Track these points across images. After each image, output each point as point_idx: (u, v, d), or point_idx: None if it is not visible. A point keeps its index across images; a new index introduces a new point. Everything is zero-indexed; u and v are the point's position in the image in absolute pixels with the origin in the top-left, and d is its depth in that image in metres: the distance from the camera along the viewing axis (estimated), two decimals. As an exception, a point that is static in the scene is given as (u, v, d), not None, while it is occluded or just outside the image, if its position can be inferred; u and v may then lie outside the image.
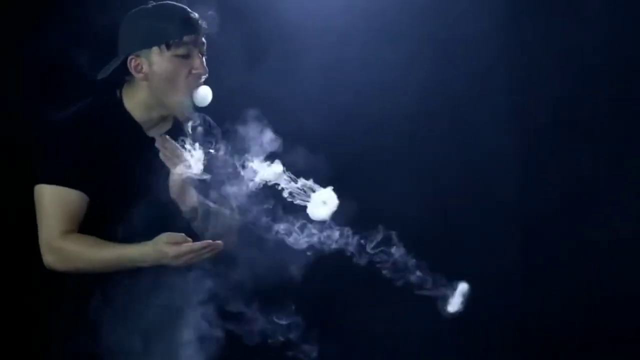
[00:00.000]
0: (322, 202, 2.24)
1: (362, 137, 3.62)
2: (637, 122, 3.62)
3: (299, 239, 2.28)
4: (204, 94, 2.37)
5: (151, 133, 2.44)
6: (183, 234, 2.29)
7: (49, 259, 2.35)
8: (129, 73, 2.40)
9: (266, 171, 2.25)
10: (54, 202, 2.34)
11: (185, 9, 2.38)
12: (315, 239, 2.28)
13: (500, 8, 3.63)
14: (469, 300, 2.23)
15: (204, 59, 2.40)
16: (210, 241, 2.28)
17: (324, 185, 2.27)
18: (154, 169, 2.32)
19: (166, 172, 2.32)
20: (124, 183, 2.38)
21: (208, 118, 2.44)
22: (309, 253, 2.29)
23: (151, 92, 2.39)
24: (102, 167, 2.37)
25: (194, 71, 2.37)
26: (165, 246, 2.27)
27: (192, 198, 2.36)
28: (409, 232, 2.23)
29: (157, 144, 2.31)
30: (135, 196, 2.34)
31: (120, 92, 2.44)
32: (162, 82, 2.36)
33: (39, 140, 2.40)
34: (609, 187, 3.64)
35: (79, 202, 2.35)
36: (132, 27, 2.39)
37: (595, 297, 3.65)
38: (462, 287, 2.26)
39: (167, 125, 2.48)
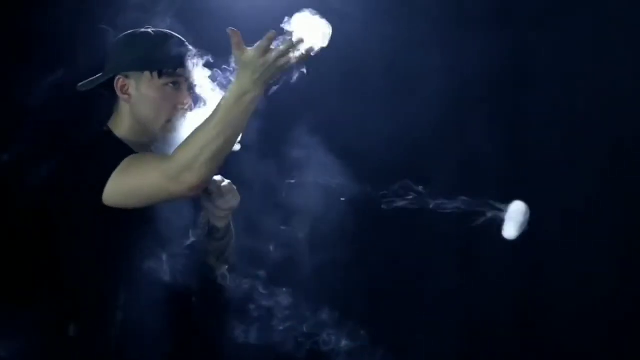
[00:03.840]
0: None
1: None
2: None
3: None
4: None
5: None
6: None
7: (184, 181, 2.13)
8: (112, 95, 2.39)
9: None
10: (131, 165, 2.21)
11: (184, 43, 2.39)
12: None
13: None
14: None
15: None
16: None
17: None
18: None
19: None
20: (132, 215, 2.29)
21: None
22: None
23: (134, 116, 2.38)
24: None
25: (179, 106, 2.36)
26: (248, 55, 2.12)
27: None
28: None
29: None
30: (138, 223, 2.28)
31: (107, 126, 2.42)
32: (146, 108, 2.36)
33: (71, 170, 2.29)
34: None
35: (142, 153, 2.30)
36: (127, 47, 2.39)
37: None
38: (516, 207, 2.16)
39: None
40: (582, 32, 3.60)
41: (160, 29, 2.40)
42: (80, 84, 2.42)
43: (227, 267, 2.46)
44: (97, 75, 2.41)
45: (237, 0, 3.32)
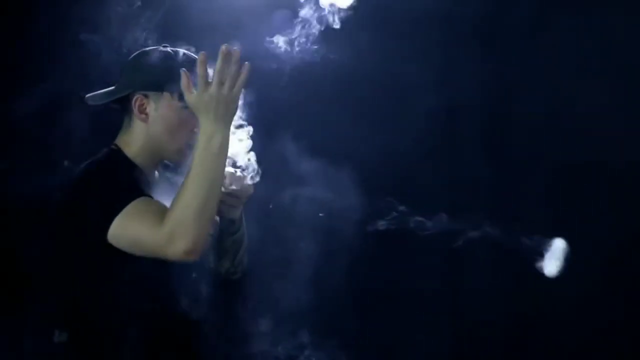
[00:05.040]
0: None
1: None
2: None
3: None
4: None
5: (149, 177, 2.35)
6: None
7: (177, 248, 2.05)
8: (123, 110, 2.32)
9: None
10: (133, 217, 2.11)
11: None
12: None
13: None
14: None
15: None
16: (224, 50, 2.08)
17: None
18: None
19: None
20: None
21: None
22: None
23: (149, 136, 2.32)
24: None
25: (196, 129, 2.26)
26: (196, 95, 2.09)
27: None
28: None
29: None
30: None
31: (116, 143, 2.35)
32: (163, 129, 2.30)
33: (81, 195, 2.21)
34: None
35: (151, 202, 2.16)
36: (148, 66, 2.31)
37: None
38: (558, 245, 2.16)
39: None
40: (573, 51, 3.57)
41: (181, 49, 2.33)
42: (88, 95, 2.35)
43: (241, 268, 2.43)
44: (109, 89, 2.35)
45: (219, 14, 3.28)
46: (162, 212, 2.09)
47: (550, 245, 2.19)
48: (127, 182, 2.19)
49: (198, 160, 2.07)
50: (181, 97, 2.22)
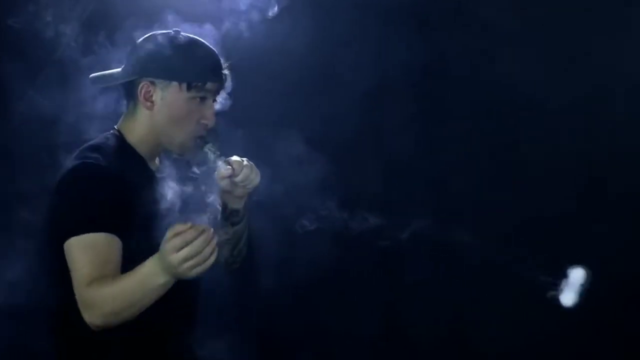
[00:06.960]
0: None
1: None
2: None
3: None
4: None
5: (151, 165, 2.32)
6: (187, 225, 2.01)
7: (86, 316, 2.06)
8: (131, 95, 2.26)
9: None
10: (82, 251, 2.09)
11: (217, 55, 2.28)
12: None
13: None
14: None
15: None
16: (203, 227, 1.98)
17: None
18: (158, 204, 2.18)
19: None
20: (140, 221, 2.17)
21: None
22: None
23: (153, 125, 2.27)
24: (120, 207, 2.15)
25: (202, 120, 2.25)
26: (164, 245, 1.98)
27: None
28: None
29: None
30: (145, 231, 2.12)
31: (118, 128, 2.30)
32: (169, 119, 2.25)
33: (57, 195, 2.17)
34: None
35: (109, 245, 2.09)
36: (156, 52, 2.23)
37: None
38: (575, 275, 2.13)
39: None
40: (507, 31, 3.58)
41: (192, 36, 2.26)
42: (92, 75, 2.29)
43: (241, 259, 2.44)
44: (113, 71, 2.28)
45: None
46: (104, 266, 2.07)
47: (568, 276, 2.17)
48: (108, 198, 2.12)
49: (137, 280, 2.01)
50: (189, 87, 2.20)
